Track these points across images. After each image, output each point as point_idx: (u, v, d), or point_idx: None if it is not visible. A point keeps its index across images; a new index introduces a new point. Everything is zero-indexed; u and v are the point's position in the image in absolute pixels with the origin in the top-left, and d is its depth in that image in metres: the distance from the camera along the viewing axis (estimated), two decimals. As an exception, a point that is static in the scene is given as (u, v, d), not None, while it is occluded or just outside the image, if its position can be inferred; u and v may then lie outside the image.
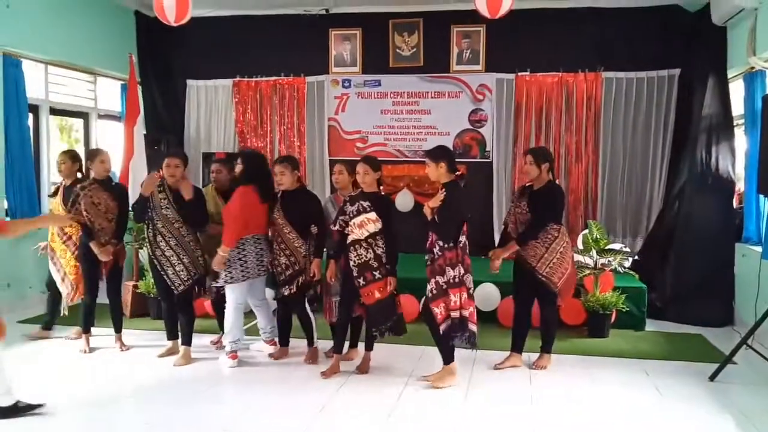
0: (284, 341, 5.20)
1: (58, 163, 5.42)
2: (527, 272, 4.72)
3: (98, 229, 5.10)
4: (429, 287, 4.45)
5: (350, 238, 4.63)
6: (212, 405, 4.19)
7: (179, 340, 5.12)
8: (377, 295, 4.57)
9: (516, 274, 4.87)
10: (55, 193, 5.48)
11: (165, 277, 4.93)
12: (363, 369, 4.81)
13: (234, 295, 4.90)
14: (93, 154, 5.29)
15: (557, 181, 4.90)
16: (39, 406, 3.95)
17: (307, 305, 5.06)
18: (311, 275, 4.87)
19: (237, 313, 4.94)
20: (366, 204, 4.61)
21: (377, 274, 4.57)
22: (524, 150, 7.59)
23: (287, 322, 5.18)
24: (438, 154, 4.49)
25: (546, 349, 4.97)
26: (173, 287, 4.93)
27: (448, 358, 4.54)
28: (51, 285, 5.54)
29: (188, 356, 5.03)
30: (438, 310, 4.36)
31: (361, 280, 4.59)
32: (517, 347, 4.97)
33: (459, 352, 4.57)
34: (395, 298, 4.67)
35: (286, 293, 4.90)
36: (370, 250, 4.57)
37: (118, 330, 5.41)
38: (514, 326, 5.00)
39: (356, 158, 7.78)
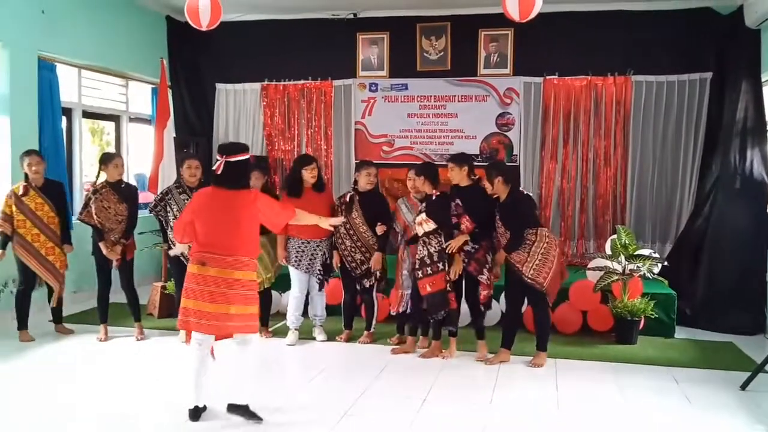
0: (348, 325, 5.74)
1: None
2: (516, 275, 4.97)
3: (108, 230, 5.43)
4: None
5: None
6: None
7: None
8: (428, 288, 5.00)
9: (507, 275, 5.13)
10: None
11: None
12: (428, 354, 5.26)
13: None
14: (107, 158, 5.55)
15: (522, 189, 5.27)
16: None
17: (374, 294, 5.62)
18: (373, 267, 5.42)
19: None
20: (423, 206, 5.11)
21: (429, 270, 4.97)
22: (552, 154, 7.67)
23: (353, 309, 5.75)
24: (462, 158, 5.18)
25: (541, 347, 5.11)
26: None
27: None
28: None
29: None
30: None
31: (419, 273, 5.04)
32: (506, 343, 5.19)
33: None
34: (447, 293, 4.99)
35: (367, 285, 5.49)
36: (425, 248, 5.00)
37: (137, 319, 5.73)
38: (504, 324, 5.30)
39: (383, 161, 7.90)
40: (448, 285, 5.02)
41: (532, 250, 4.90)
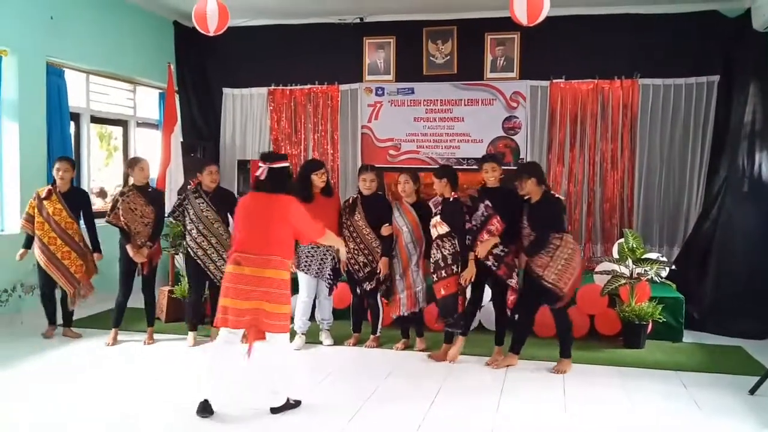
0: (357, 328, 5.77)
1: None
2: (534, 280, 4.90)
3: (134, 233, 5.49)
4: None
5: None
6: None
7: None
8: (442, 291, 5.03)
9: (524, 281, 5.06)
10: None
11: (207, 272, 5.48)
12: (437, 356, 5.27)
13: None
14: (133, 162, 5.68)
15: (553, 192, 5.13)
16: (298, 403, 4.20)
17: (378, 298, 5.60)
18: (379, 272, 5.39)
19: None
20: (438, 209, 5.13)
21: (443, 273, 5.01)
22: (559, 157, 7.66)
23: (362, 311, 5.75)
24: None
25: (564, 354, 5.07)
26: (216, 280, 5.42)
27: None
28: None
29: None
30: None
31: (434, 277, 5.09)
32: (515, 348, 5.15)
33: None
34: (458, 297, 5.04)
35: (368, 288, 5.46)
36: (439, 251, 5.03)
37: (150, 324, 5.77)
38: (516, 329, 5.18)
39: (389, 165, 7.91)
40: (460, 289, 5.04)
41: (556, 255, 4.83)
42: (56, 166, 5.62)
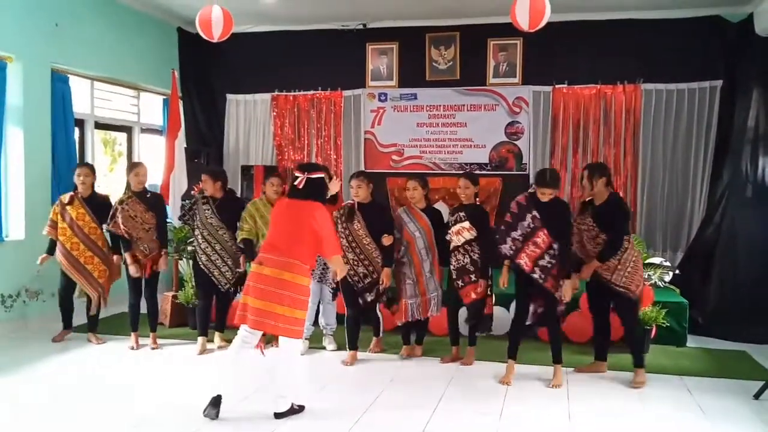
0: (354, 345, 5.38)
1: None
2: (603, 285, 4.84)
3: (136, 239, 5.50)
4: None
5: (451, 245, 5.16)
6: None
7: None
8: (473, 295, 5.07)
9: (589, 287, 5.03)
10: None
11: (212, 278, 5.47)
12: (466, 362, 5.29)
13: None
14: (130, 168, 5.72)
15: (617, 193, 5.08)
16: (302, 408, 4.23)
17: (377, 307, 5.53)
18: (382, 283, 5.27)
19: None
20: (462, 214, 5.10)
21: (473, 277, 5.06)
22: (561, 162, 7.67)
23: (358, 325, 5.41)
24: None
25: (637, 363, 4.91)
26: (220, 286, 5.54)
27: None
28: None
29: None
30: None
31: (460, 282, 5.10)
32: (600, 355, 5.16)
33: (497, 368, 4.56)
34: (486, 299, 5.13)
35: (369, 300, 5.30)
36: (467, 256, 5.07)
37: (153, 329, 5.77)
38: (595, 336, 5.22)
39: (392, 171, 7.94)
40: (488, 291, 5.13)
41: (624, 258, 4.75)
42: (77, 171, 5.72)
